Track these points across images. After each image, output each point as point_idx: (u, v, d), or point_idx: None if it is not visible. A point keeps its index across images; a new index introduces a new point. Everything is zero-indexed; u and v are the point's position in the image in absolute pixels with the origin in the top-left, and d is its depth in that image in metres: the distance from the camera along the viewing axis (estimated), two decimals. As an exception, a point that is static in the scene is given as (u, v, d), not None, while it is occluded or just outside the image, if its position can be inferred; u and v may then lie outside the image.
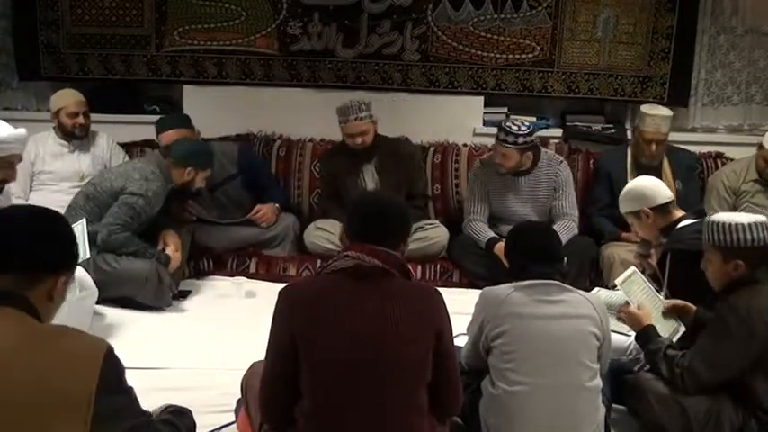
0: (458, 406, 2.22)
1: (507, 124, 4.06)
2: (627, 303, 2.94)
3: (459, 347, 2.47)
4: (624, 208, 3.34)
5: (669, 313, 2.92)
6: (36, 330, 1.58)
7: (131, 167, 3.80)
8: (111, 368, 1.57)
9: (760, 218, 2.57)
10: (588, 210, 4.40)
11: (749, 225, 2.51)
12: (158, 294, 3.63)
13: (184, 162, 3.77)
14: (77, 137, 4.30)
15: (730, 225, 2.52)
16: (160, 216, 3.85)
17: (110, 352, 1.58)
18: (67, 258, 1.72)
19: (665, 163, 4.32)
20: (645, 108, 4.33)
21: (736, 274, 2.52)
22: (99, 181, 3.79)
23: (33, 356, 1.52)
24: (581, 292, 2.50)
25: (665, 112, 4.30)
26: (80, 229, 3.23)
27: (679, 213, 3.21)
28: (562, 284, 2.46)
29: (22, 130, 3.30)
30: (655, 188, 3.25)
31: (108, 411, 1.54)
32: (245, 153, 4.44)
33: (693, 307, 2.82)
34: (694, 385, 2.53)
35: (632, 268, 3.16)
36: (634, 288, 3.00)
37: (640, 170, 4.14)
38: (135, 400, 1.66)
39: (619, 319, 2.93)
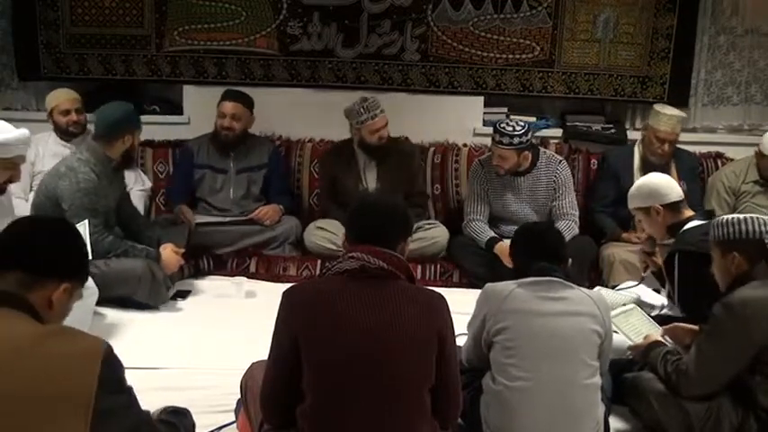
0: (456, 414, 2.21)
1: (502, 125, 4.05)
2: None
3: (460, 347, 2.47)
4: (634, 203, 3.31)
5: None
6: (36, 331, 1.59)
7: (60, 162, 3.63)
8: (111, 368, 1.57)
9: (762, 216, 2.58)
10: (591, 206, 4.40)
11: (745, 218, 2.54)
12: (153, 292, 3.61)
13: (115, 133, 3.55)
14: (73, 134, 4.30)
15: (728, 219, 2.56)
16: (159, 229, 3.85)
17: (109, 351, 1.59)
18: (71, 267, 1.73)
19: (672, 164, 4.32)
20: (659, 107, 4.33)
21: (734, 267, 2.53)
22: (39, 187, 3.62)
23: (34, 357, 1.53)
24: (583, 289, 2.51)
25: (680, 112, 4.33)
26: (82, 230, 3.23)
27: (688, 213, 3.21)
28: (564, 282, 2.47)
29: (25, 131, 3.30)
30: (668, 185, 3.24)
31: (108, 411, 1.55)
32: (276, 152, 4.56)
33: (695, 328, 2.77)
34: (684, 384, 2.52)
35: (632, 305, 3.15)
36: (631, 321, 3.00)
37: (648, 170, 4.13)
38: (135, 400, 1.67)
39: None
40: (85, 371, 1.53)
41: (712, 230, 2.60)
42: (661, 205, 3.19)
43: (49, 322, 1.65)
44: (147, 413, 1.74)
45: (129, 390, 1.65)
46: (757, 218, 2.55)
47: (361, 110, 4.21)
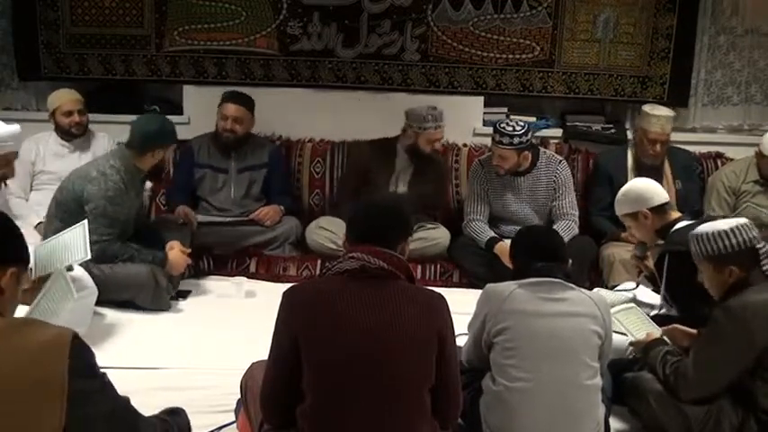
0: (456, 414, 2.22)
1: (502, 125, 4.05)
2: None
3: (460, 347, 2.47)
4: (621, 210, 3.33)
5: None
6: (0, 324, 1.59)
7: (91, 164, 3.65)
8: (80, 353, 1.58)
9: (740, 220, 2.57)
10: (588, 210, 4.40)
11: (731, 230, 2.51)
12: (156, 298, 3.60)
13: (147, 147, 3.58)
14: (76, 135, 4.30)
15: (713, 234, 2.53)
16: (164, 233, 3.86)
17: (76, 338, 1.59)
18: (16, 251, 1.72)
19: (666, 163, 4.33)
20: (648, 108, 4.33)
21: (732, 279, 2.52)
22: (65, 184, 3.63)
23: (4, 349, 1.53)
24: (584, 290, 2.51)
25: (669, 112, 4.32)
26: (80, 230, 3.23)
27: (676, 214, 3.22)
28: (565, 283, 2.47)
29: (16, 127, 3.29)
30: (652, 189, 3.26)
31: (82, 395, 1.55)
32: (276, 151, 4.54)
33: (694, 332, 2.76)
34: (683, 387, 2.52)
35: (632, 303, 3.16)
36: (632, 318, 3.01)
37: (642, 170, 4.14)
38: (109, 385, 1.67)
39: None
40: (55, 357, 1.53)
41: (696, 246, 2.57)
42: (648, 209, 3.20)
43: (2, 309, 1.66)
44: (125, 399, 1.74)
45: (103, 375, 1.65)
46: (742, 226, 2.53)
47: (429, 117, 4.20)
